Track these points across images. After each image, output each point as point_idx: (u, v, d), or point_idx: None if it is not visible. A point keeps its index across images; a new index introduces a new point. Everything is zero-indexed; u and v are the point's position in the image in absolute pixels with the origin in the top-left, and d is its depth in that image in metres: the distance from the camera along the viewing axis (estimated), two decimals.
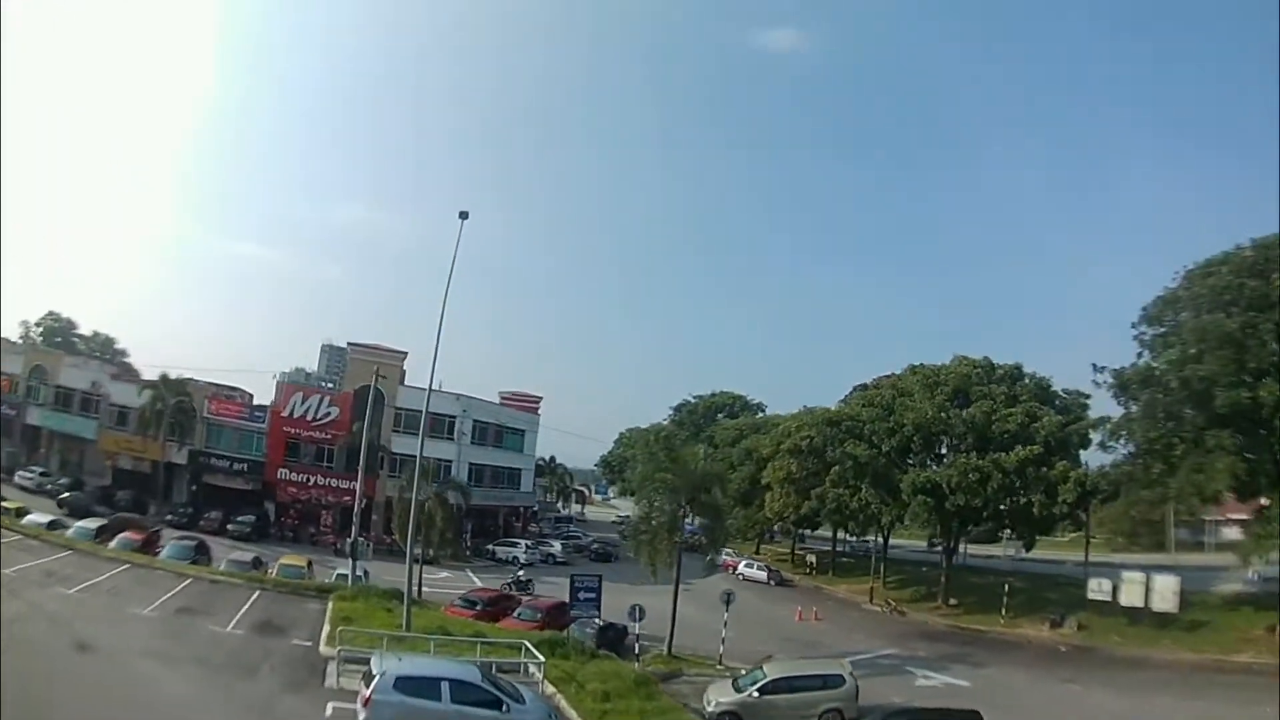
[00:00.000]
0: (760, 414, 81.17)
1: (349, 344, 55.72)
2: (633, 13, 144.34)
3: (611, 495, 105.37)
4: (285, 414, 54.53)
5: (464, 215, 25.47)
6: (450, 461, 54.70)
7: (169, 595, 26.10)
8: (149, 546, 34.09)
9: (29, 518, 36.18)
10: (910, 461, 48.63)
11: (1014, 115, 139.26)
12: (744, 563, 57.51)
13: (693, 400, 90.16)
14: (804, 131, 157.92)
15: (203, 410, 55.76)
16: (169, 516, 49.29)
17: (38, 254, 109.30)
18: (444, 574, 46.22)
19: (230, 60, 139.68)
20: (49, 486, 51.56)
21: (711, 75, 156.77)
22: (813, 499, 51.40)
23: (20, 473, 53.72)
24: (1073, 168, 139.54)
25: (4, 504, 37.61)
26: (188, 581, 28.74)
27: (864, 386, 56.08)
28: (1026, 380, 47.86)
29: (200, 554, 34.18)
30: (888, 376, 53.89)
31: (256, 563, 33.50)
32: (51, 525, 35.36)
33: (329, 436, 53.81)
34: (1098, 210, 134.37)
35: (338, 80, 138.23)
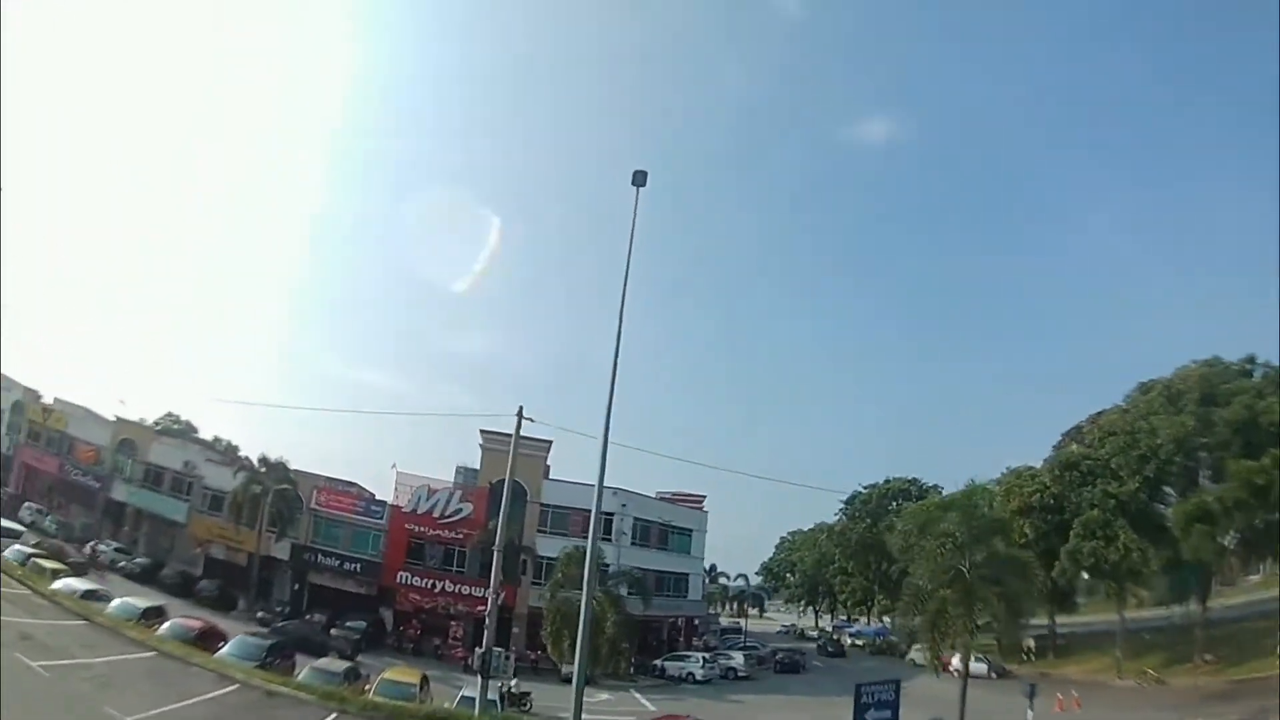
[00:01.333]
0: (939, 493, 74.30)
1: (481, 431, 50.15)
2: (718, 124, 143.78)
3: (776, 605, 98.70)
4: (408, 510, 48.58)
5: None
6: (608, 565, 48.17)
7: (185, 703, 18.29)
8: (208, 639, 26.45)
9: (63, 582, 29.83)
10: (1168, 493, 42.54)
11: (1116, 189, 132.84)
12: (957, 657, 50.62)
13: (863, 490, 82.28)
14: (906, 220, 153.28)
15: (309, 501, 49.93)
16: (260, 614, 43.22)
17: (149, 355, 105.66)
18: (604, 695, 39.41)
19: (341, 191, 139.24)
20: (123, 564, 46.41)
21: (805, 175, 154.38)
22: (1061, 560, 44.26)
23: (94, 544, 48.74)
24: (1183, 239, 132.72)
25: (41, 562, 31.97)
26: (232, 688, 20.72)
27: (1077, 429, 49.46)
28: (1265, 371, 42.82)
29: (276, 657, 26.51)
30: (1100, 415, 47.44)
31: (351, 674, 25.80)
32: (88, 595, 29.06)
33: (459, 536, 47.64)
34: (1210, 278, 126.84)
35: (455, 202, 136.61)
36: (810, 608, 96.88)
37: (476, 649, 41.83)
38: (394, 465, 48.95)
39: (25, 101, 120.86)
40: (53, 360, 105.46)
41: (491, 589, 23.90)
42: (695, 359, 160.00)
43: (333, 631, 41.81)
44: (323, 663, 26.55)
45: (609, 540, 49.61)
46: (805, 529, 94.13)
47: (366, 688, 24.68)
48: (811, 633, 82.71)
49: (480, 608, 46.98)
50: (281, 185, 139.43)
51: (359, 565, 48.18)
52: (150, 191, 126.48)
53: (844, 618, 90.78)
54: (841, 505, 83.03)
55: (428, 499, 48.58)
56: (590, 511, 46.65)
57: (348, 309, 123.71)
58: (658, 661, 47.46)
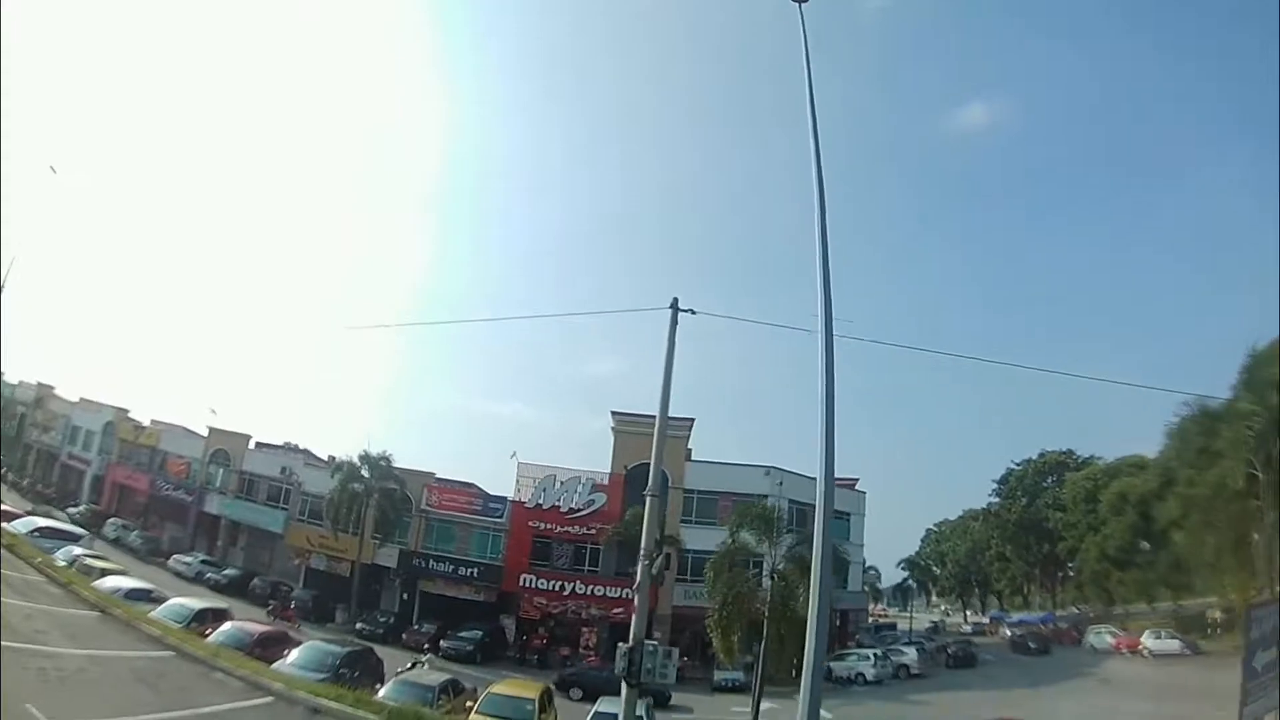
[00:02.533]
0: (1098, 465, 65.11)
1: (613, 413, 44.46)
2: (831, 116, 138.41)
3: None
4: (531, 505, 42.73)
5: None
6: (760, 556, 41.30)
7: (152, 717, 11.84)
8: (270, 646, 20.92)
9: (109, 580, 24.80)
10: None
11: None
12: (1147, 635, 43.59)
13: (1016, 467, 73.69)
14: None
15: (419, 502, 44.60)
16: (359, 626, 38.08)
17: (261, 390, 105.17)
18: (767, 705, 32.34)
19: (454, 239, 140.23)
20: (210, 576, 42.15)
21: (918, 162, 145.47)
22: None
23: (178, 557, 44.70)
24: None
25: (90, 562, 27.72)
26: (258, 700, 14.12)
27: None
28: None
29: (355, 668, 20.73)
30: None
31: (450, 689, 19.53)
32: (135, 594, 23.78)
33: (591, 532, 41.47)
34: None
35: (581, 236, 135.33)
36: (961, 601, 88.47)
37: (620, 645, 36.04)
38: (514, 454, 43.47)
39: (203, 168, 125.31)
40: (165, 388, 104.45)
41: (641, 571, 16.49)
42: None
43: (442, 643, 36.00)
44: (413, 674, 20.68)
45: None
46: (952, 518, 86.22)
47: (469, 705, 18.76)
48: (966, 628, 74.06)
49: (617, 610, 40.62)
50: (391, 228, 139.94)
51: (476, 570, 42.25)
52: (269, 227, 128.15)
53: (999, 609, 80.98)
54: (994, 485, 74.71)
55: (554, 491, 42.70)
56: (738, 495, 40.99)
57: (459, 339, 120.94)
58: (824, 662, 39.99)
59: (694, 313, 15.56)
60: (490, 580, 41.90)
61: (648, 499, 14.63)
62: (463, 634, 37.14)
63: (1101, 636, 47.10)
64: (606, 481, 42.57)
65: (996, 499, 74.88)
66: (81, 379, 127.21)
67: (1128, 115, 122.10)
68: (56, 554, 26.57)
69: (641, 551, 13.96)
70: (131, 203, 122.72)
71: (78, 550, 29.80)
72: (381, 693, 18.00)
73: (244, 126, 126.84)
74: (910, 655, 42.29)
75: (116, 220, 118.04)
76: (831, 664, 39.60)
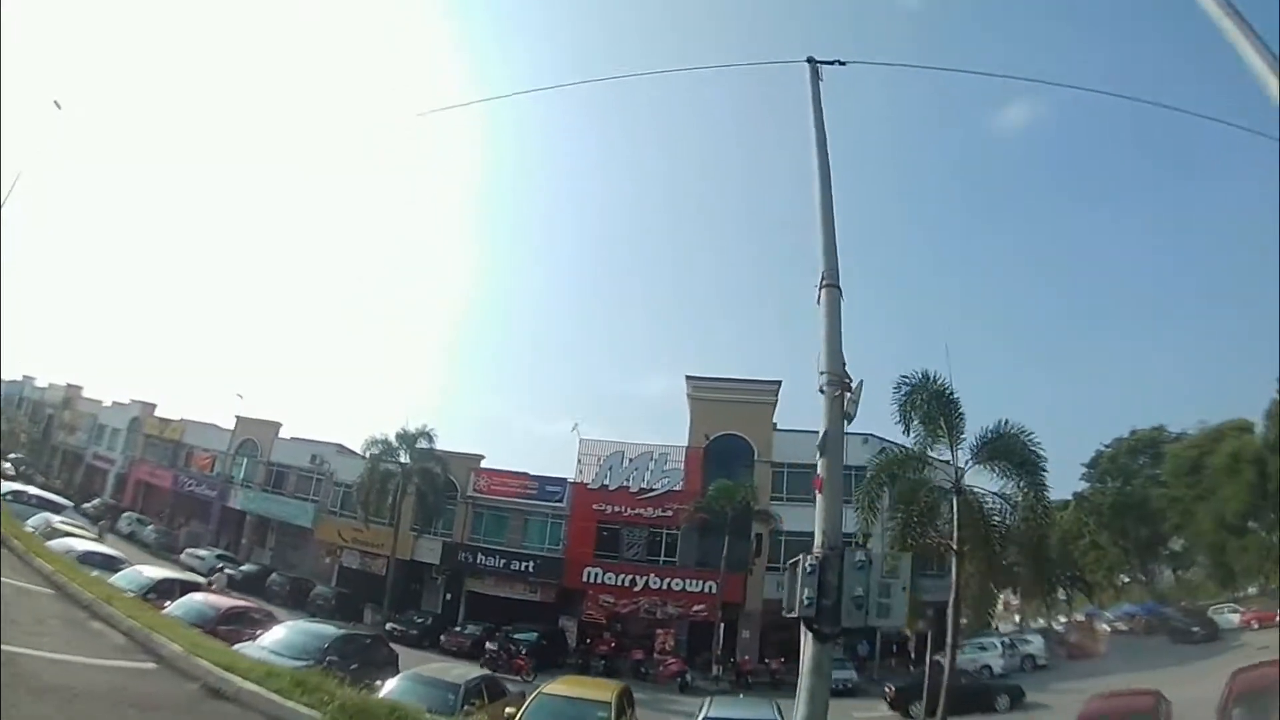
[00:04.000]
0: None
1: (688, 379, 38.13)
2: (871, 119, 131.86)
3: None
4: (595, 486, 36.43)
5: None
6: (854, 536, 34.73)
7: None
8: (239, 623, 16.25)
9: (60, 541, 20.02)
10: None
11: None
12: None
13: (1105, 448, 66.65)
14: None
15: (466, 487, 38.63)
16: (390, 627, 31.89)
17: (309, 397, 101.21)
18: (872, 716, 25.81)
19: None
20: (225, 570, 35.24)
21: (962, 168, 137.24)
22: None
23: (190, 550, 38.98)
24: None
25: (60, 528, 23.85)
26: (136, 663, 8.06)
27: None
28: None
29: (352, 658, 15.27)
30: None
31: (485, 687, 14.25)
32: (89, 557, 19.26)
33: (667, 514, 34.98)
34: None
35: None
36: (1045, 601, 78.18)
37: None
38: (575, 426, 37.38)
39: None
40: (196, 381, 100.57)
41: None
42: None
43: (488, 646, 29.67)
44: (433, 669, 14.77)
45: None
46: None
47: (510, 712, 13.07)
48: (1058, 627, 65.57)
49: (698, 607, 33.72)
50: (441, 238, 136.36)
51: (532, 564, 36.01)
52: (304, 218, 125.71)
53: (1092, 605, 73.14)
54: (1084, 469, 66.65)
55: (622, 469, 36.36)
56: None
57: (507, 352, 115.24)
58: (940, 657, 33.26)
59: (841, 63, 10.55)
60: (549, 575, 35.57)
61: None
62: (515, 636, 30.76)
63: (1224, 615, 42.14)
64: (684, 456, 36.05)
65: (1085, 484, 66.66)
66: (112, 377, 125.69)
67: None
68: (29, 520, 22.91)
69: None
70: (165, 185, 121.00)
71: (56, 519, 25.66)
72: (385, 689, 12.36)
73: (280, 114, 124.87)
74: (1036, 644, 36.24)
75: (149, 202, 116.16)
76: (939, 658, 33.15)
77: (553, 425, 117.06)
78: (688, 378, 38.09)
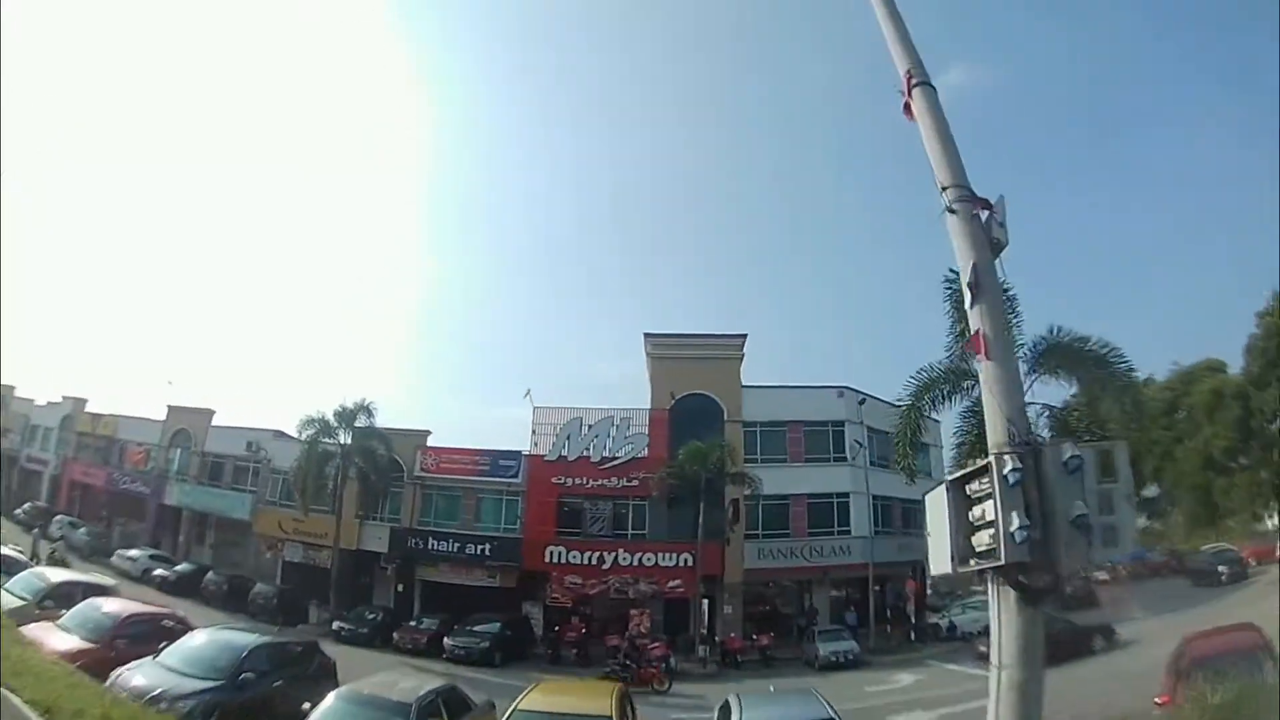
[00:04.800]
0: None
1: (646, 336, 34.71)
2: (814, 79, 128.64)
3: None
4: (553, 458, 33.04)
5: None
6: (845, 496, 32.44)
7: None
8: (145, 638, 13.44)
9: None
10: None
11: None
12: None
13: (1071, 397, 64.28)
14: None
15: (413, 467, 35.11)
16: (337, 626, 28.72)
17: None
18: (904, 677, 23.96)
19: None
20: (160, 572, 33.27)
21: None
22: None
23: (121, 552, 36.09)
24: None
25: None
26: None
27: None
28: None
29: (276, 672, 12.87)
30: None
31: (444, 704, 11.13)
32: None
33: (633, 484, 31.76)
34: None
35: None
36: None
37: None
38: (528, 393, 33.82)
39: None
40: (130, 372, 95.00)
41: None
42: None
43: (447, 642, 26.72)
44: (377, 683, 11.43)
45: (841, 459, 33.71)
46: None
47: None
48: None
49: (673, 583, 30.63)
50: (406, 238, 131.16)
51: (489, 546, 32.69)
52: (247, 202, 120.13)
53: None
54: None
55: (581, 436, 32.96)
56: (809, 424, 31.05)
57: (477, 343, 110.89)
58: (939, 619, 31.91)
59: None
60: (507, 558, 32.29)
61: None
62: (475, 628, 27.52)
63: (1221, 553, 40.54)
64: (647, 420, 32.70)
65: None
66: (45, 375, 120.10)
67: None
68: None
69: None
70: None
71: None
72: (314, 716, 9.72)
73: (212, 94, 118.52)
74: None
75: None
76: (955, 619, 31.21)
77: (507, 405, 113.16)
78: (646, 335, 34.71)
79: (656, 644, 26.83)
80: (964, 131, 7.13)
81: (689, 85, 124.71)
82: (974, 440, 14.41)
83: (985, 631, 27.44)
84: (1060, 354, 14.35)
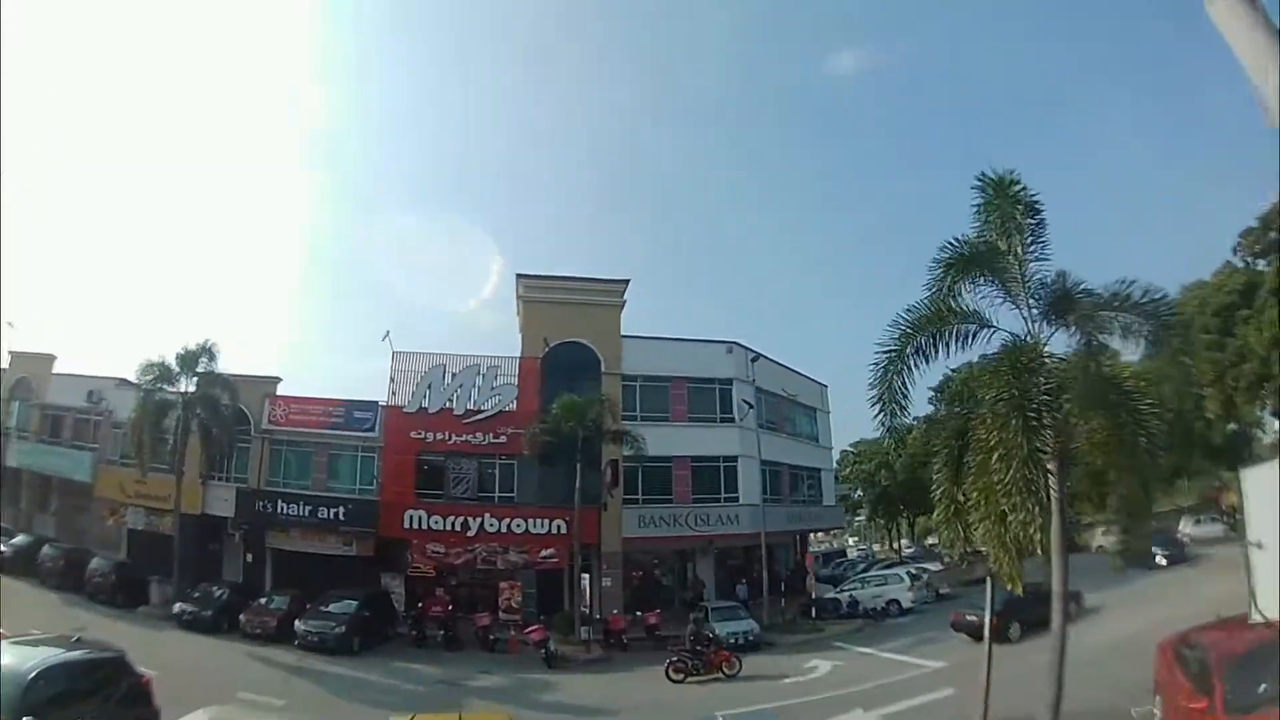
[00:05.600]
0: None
1: (519, 277, 30.54)
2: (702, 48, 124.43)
3: None
4: (413, 409, 29.04)
5: None
6: (733, 460, 30.22)
7: None
8: None
9: None
10: None
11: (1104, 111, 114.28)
12: (1184, 522, 38.12)
13: (953, 373, 64.18)
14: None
15: (261, 419, 30.85)
16: (180, 609, 24.79)
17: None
18: (819, 664, 21.31)
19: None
20: None
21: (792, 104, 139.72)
22: None
23: None
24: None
25: None
26: None
27: None
28: None
29: (65, 699, 8.69)
30: None
31: None
32: None
33: (500, 441, 28.06)
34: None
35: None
36: (891, 527, 78.80)
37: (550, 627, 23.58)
38: (387, 335, 29.56)
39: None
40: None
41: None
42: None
43: (298, 626, 23.13)
44: None
45: (728, 420, 31.20)
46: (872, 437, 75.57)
47: None
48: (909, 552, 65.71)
49: (545, 553, 27.48)
50: (280, 195, 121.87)
51: (343, 510, 28.82)
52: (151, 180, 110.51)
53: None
54: (931, 393, 63.26)
55: (444, 386, 28.93)
56: (694, 380, 27.77)
57: (348, 306, 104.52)
58: (837, 594, 30.35)
59: None
60: (363, 523, 28.52)
61: None
62: (328, 608, 23.92)
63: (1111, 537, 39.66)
64: (517, 369, 28.76)
65: (936, 407, 66.39)
66: None
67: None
68: None
69: None
70: None
71: None
72: None
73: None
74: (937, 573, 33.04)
75: None
76: (854, 594, 29.38)
77: (366, 352, 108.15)
78: (519, 276, 30.60)
79: (534, 627, 23.53)
80: None
81: (579, 19, 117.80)
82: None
83: (893, 607, 24.62)
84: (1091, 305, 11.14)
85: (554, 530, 26.71)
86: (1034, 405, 10.01)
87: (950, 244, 11.58)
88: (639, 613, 25.85)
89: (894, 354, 11.69)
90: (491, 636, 24.41)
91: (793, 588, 30.93)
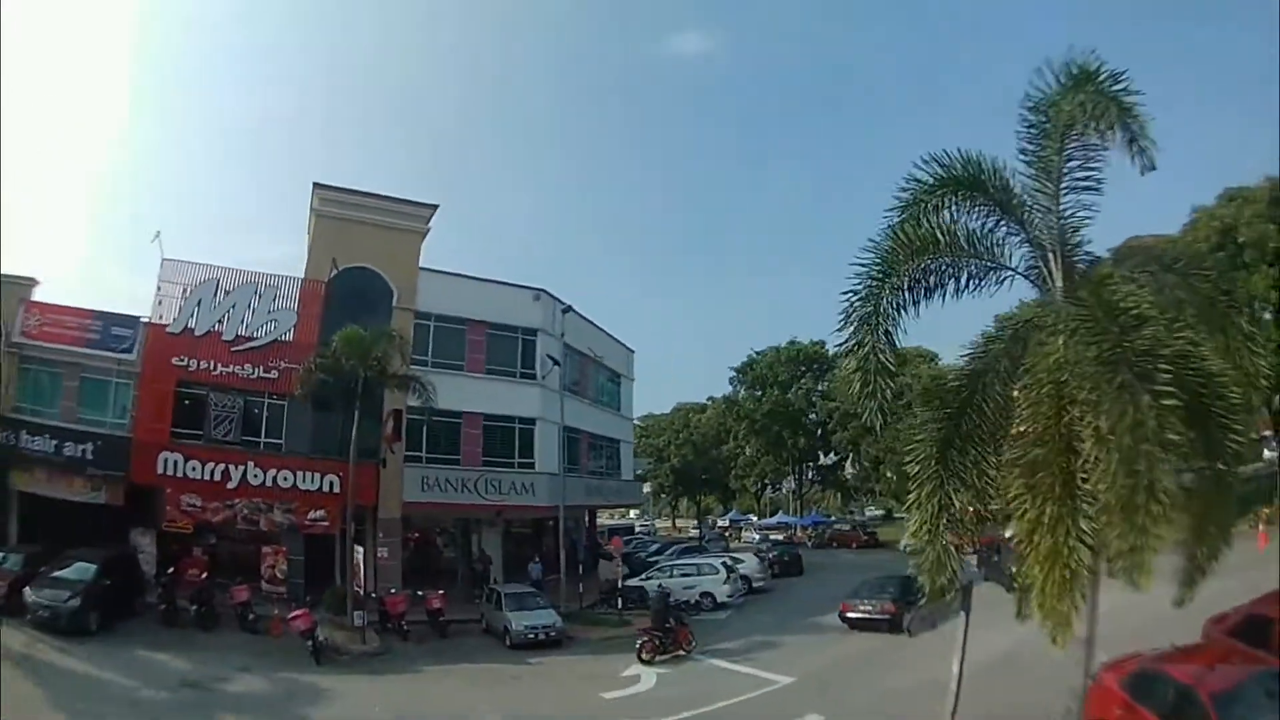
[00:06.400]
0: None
1: (316, 186, 25.27)
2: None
3: None
4: (177, 330, 23.91)
5: None
6: (531, 422, 27.14)
7: None
8: None
9: None
10: None
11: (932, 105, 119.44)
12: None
13: (758, 355, 65.48)
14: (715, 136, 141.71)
15: (12, 331, 25.48)
16: None
17: None
18: (642, 672, 18.46)
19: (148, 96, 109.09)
20: None
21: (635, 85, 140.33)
22: None
23: None
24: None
25: None
26: None
27: None
28: None
29: None
30: None
31: None
32: None
33: (271, 376, 23.32)
34: None
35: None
36: (688, 501, 77.35)
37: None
38: (157, 236, 24.18)
39: None
40: None
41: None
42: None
43: (29, 596, 18.50)
44: None
45: (529, 376, 27.95)
46: (663, 412, 76.35)
47: None
48: (694, 531, 65.89)
49: (316, 514, 22.87)
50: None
51: (91, 447, 23.85)
52: None
53: (733, 511, 75.81)
54: (732, 374, 66.77)
55: (214, 305, 23.80)
56: (496, 327, 23.83)
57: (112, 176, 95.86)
58: (643, 581, 26.61)
59: None
60: (113, 465, 23.61)
61: None
62: (62, 573, 19.23)
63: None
64: (299, 291, 23.73)
65: (735, 388, 67.26)
66: None
67: None
68: None
69: None
70: None
71: None
72: None
73: None
74: (751, 564, 30.27)
75: None
76: (663, 581, 25.50)
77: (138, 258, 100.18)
78: (315, 185, 25.31)
79: (298, 613, 19.02)
80: None
81: None
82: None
83: (707, 600, 21.26)
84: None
85: (325, 488, 22.34)
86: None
87: (933, 160, 8.56)
88: (419, 592, 21.81)
89: (874, 286, 8.33)
90: (251, 615, 20.21)
91: (589, 569, 27.79)
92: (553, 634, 20.53)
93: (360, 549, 21.54)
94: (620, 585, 24.85)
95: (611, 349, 36.75)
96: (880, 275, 8.30)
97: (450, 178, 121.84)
